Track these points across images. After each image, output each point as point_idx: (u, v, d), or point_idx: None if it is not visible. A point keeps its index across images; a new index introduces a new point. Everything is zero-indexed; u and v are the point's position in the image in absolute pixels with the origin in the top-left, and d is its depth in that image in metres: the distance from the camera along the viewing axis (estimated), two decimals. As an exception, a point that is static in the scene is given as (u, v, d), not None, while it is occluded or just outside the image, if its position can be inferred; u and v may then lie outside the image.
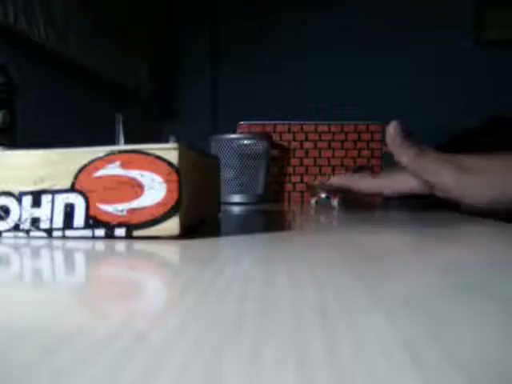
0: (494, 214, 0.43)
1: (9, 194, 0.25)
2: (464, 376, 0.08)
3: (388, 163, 0.75)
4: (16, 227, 0.26)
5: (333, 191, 0.54)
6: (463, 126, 1.67)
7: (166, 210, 0.24)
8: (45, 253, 0.21)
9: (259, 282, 0.15)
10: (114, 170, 0.24)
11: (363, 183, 0.51)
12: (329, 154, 0.77)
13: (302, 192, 0.77)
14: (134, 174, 0.24)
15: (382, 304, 0.12)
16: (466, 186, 0.39)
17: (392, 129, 0.44)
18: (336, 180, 0.53)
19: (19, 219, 0.25)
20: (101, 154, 0.25)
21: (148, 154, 0.24)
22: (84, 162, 0.25)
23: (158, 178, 0.24)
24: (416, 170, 0.42)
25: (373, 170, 0.70)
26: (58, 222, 0.25)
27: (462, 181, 0.39)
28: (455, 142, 1.65)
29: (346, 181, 0.52)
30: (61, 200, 0.25)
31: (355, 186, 0.51)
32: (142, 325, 0.10)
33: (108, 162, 0.24)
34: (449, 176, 0.40)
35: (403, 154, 0.43)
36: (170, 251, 0.21)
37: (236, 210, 0.53)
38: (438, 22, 1.91)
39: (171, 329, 0.10)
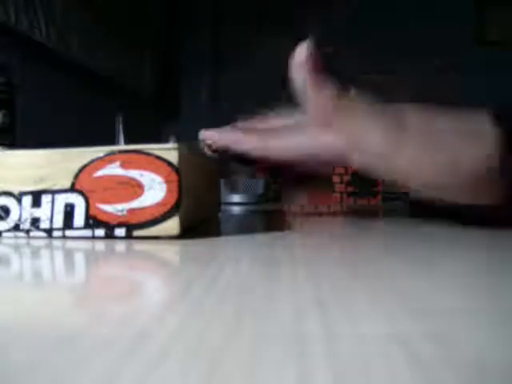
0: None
1: (9, 193, 0.25)
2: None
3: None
4: (16, 227, 0.26)
5: (219, 154, 0.34)
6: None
7: (165, 210, 0.24)
8: (45, 253, 0.21)
9: (259, 282, 0.15)
10: (113, 169, 0.24)
11: (252, 140, 0.30)
12: (329, 154, 0.76)
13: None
14: (134, 174, 0.24)
15: (381, 305, 0.12)
16: (406, 151, 0.26)
17: (302, 51, 0.27)
18: (215, 136, 0.32)
19: (19, 219, 0.25)
20: (101, 154, 0.25)
21: (148, 154, 0.24)
22: (84, 161, 0.25)
23: (158, 178, 0.24)
24: (331, 120, 0.27)
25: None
26: (58, 221, 0.25)
27: (402, 143, 0.26)
28: None
29: (227, 138, 0.31)
30: (61, 200, 0.25)
31: (240, 144, 0.31)
32: (143, 325, 0.10)
33: (108, 162, 0.24)
34: (379, 136, 0.26)
35: (314, 92, 0.27)
36: (170, 251, 0.21)
37: (236, 209, 0.53)
38: (437, 22, 1.91)
39: (171, 328, 0.10)
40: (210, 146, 0.34)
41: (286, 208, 0.53)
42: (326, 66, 0.27)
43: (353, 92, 0.27)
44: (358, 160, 0.27)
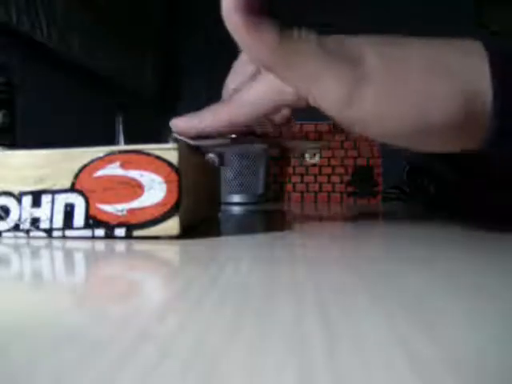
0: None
1: (9, 194, 0.25)
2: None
3: (388, 162, 0.75)
4: (16, 227, 0.26)
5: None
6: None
7: (165, 210, 0.24)
8: (45, 253, 0.21)
9: (259, 282, 0.15)
10: (113, 170, 0.24)
11: (208, 118, 0.28)
12: (329, 154, 0.77)
13: (301, 192, 0.77)
14: (134, 174, 0.24)
15: (382, 305, 0.12)
16: (365, 100, 0.22)
17: None
18: (184, 125, 0.29)
19: (19, 219, 0.25)
20: (101, 154, 0.25)
21: (148, 154, 0.24)
22: (84, 161, 0.25)
23: (158, 178, 0.24)
24: (280, 68, 0.23)
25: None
26: (58, 221, 0.25)
27: (359, 92, 0.22)
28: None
29: (194, 123, 0.28)
30: (61, 200, 0.25)
31: (204, 127, 0.28)
32: (142, 325, 0.10)
33: (108, 162, 0.24)
34: (336, 82, 0.22)
35: (257, 39, 0.22)
36: (170, 251, 0.21)
37: (236, 209, 0.53)
38: (437, 22, 1.91)
39: (171, 328, 0.10)
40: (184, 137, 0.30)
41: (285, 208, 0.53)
42: (266, 5, 0.22)
43: (298, 32, 0.22)
44: (315, 104, 0.24)
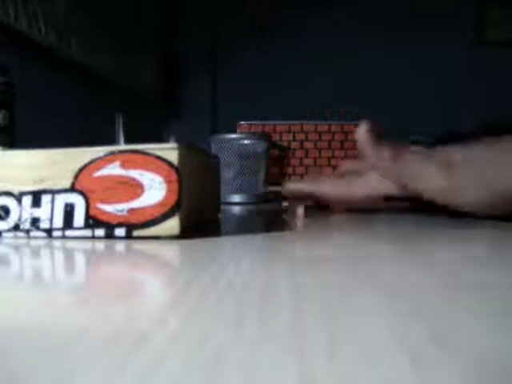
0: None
1: (9, 193, 0.25)
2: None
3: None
4: (16, 227, 0.26)
5: (297, 198, 0.47)
6: (461, 129, 1.67)
7: (165, 209, 0.24)
8: (45, 253, 0.21)
9: (259, 282, 0.15)
10: (114, 169, 0.24)
11: (327, 188, 0.43)
12: (329, 153, 0.77)
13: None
14: (134, 173, 0.24)
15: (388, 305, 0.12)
16: (456, 188, 0.33)
17: (363, 128, 0.38)
18: (299, 186, 0.45)
19: (19, 219, 0.25)
20: (101, 154, 0.25)
21: (148, 154, 0.24)
22: (84, 161, 0.25)
23: (158, 178, 0.24)
24: (394, 174, 0.37)
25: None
26: (58, 221, 0.25)
27: (452, 183, 0.33)
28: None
29: (308, 187, 0.44)
30: (61, 200, 0.25)
31: (318, 191, 0.43)
32: (142, 325, 0.10)
33: (108, 162, 0.24)
34: (435, 180, 0.34)
35: (378, 156, 0.37)
36: (170, 251, 0.21)
37: (236, 209, 0.53)
38: (438, 22, 1.91)
39: (171, 328, 0.10)
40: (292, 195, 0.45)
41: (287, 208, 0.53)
42: (381, 136, 0.38)
43: (405, 147, 0.36)
44: (421, 196, 0.36)
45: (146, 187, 0.24)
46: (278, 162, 0.76)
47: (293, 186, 0.45)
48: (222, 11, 1.93)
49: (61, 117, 1.00)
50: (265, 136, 0.67)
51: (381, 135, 0.37)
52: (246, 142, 0.66)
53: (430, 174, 0.34)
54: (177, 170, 0.24)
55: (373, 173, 0.40)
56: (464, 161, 0.33)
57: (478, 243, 0.24)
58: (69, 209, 0.25)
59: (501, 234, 0.27)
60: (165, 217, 0.24)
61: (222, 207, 0.58)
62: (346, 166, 0.47)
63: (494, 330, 0.10)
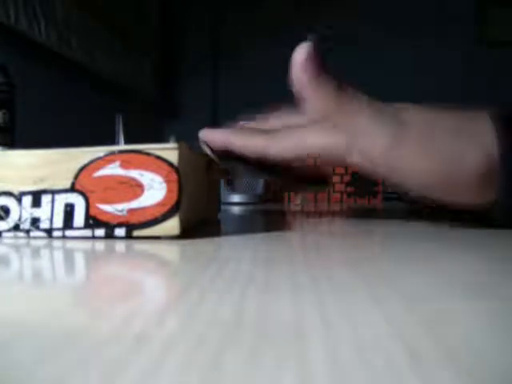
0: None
1: (9, 193, 0.25)
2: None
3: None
4: (16, 227, 0.26)
5: (217, 152, 0.34)
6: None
7: (165, 210, 0.24)
8: (45, 253, 0.21)
9: (259, 282, 0.15)
10: (113, 169, 0.24)
11: (241, 140, 0.31)
12: (329, 153, 0.77)
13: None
14: (134, 173, 0.24)
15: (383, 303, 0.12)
16: (402, 154, 0.26)
17: (302, 53, 0.27)
18: (216, 135, 0.32)
19: (19, 219, 0.25)
20: (101, 154, 0.25)
21: (148, 154, 0.24)
22: (84, 161, 0.25)
23: (158, 178, 0.24)
24: (331, 121, 0.27)
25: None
26: (58, 221, 0.25)
27: (398, 148, 0.26)
28: None
29: (227, 139, 0.32)
30: (61, 200, 0.25)
31: (235, 144, 0.31)
32: (142, 325, 0.10)
33: (108, 162, 0.24)
34: (379, 136, 0.26)
35: (317, 93, 0.27)
36: (170, 251, 0.21)
37: (236, 210, 0.53)
38: (438, 22, 1.91)
39: (171, 328, 0.10)
40: (209, 146, 0.33)
41: (285, 208, 0.53)
42: (327, 65, 0.27)
43: (351, 90, 0.27)
44: (356, 160, 0.28)
45: (146, 187, 0.24)
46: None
47: (206, 134, 0.33)
48: (223, 12, 1.93)
49: (61, 117, 1.00)
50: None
51: (325, 67, 0.27)
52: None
53: (376, 132, 0.26)
54: (177, 170, 0.24)
55: (309, 123, 0.29)
56: (419, 123, 0.26)
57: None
58: (69, 209, 0.25)
59: None
60: (165, 217, 0.24)
61: (222, 207, 0.58)
62: (278, 116, 0.35)
63: None
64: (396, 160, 0.26)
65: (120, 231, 0.25)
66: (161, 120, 1.82)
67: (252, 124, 0.35)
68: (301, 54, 0.27)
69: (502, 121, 0.26)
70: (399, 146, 0.26)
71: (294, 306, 0.12)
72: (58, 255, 0.20)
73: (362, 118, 0.27)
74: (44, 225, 0.25)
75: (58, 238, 0.25)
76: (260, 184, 0.68)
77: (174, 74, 1.94)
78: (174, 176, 0.24)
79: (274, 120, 0.34)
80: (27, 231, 0.25)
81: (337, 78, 0.27)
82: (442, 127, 0.26)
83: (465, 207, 0.28)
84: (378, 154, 0.26)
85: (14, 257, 0.20)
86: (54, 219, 0.25)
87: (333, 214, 0.47)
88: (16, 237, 0.26)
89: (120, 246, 0.23)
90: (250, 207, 0.58)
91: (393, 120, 0.26)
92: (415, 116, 0.27)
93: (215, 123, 1.90)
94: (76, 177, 0.25)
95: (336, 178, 0.75)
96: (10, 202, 0.25)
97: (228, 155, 0.33)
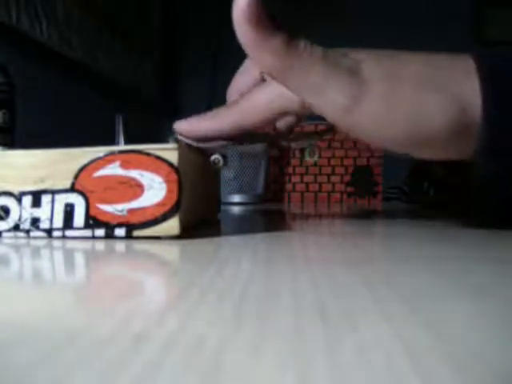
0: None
1: (9, 193, 0.25)
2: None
3: (388, 162, 0.75)
4: (16, 227, 0.26)
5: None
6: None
7: (165, 210, 0.24)
8: (45, 253, 0.21)
9: (259, 282, 0.15)
10: (113, 169, 0.24)
11: (214, 123, 0.30)
12: (329, 154, 0.77)
13: (301, 192, 0.77)
14: (134, 174, 0.24)
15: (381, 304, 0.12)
16: (363, 109, 0.23)
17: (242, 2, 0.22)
18: (185, 126, 0.31)
19: (19, 219, 0.25)
20: (101, 154, 0.25)
21: (148, 154, 0.24)
22: (84, 161, 0.25)
23: (158, 178, 0.24)
24: (285, 76, 0.24)
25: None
26: (58, 221, 0.25)
27: (358, 102, 0.23)
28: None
29: (200, 124, 0.31)
30: (61, 200, 0.25)
31: (210, 128, 0.30)
32: (142, 324, 0.10)
33: (108, 162, 0.24)
34: (337, 92, 0.23)
35: (264, 46, 0.22)
36: (170, 251, 0.21)
37: (236, 210, 0.53)
38: (437, 22, 1.91)
39: (171, 328, 0.10)
40: (188, 137, 0.32)
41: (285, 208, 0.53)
42: (271, 13, 0.22)
43: (303, 44, 0.23)
44: (318, 112, 0.25)
45: (146, 187, 0.24)
46: (278, 161, 0.76)
47: (181, 128, 0.31)
48: (223, 12, 1.93)
49: (61, 117, 1.00)
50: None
51: (274, 19, 0.22)
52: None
53: (333, 85, 0.23)
54: (177, 170, 0.24)
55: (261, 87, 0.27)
56: (380, 78, 0.23)
57: None
58: (69, 209, 0.25)
59: None
60: (165, 217, 0.24)
61: (222, 207, 0.58)
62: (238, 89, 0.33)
63: None
64: (356, 121, 0.24)
65: (120, 231, 0.25)
66: (161, 120, 1.82)
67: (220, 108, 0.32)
68: (239, 3, 0.22)
69: (485, 68, 0.23)
70: (358, 106, 0.23)
71: (294, 305, 0.12)
72: (58, 255, 0.20)
73: (315, 77, 0.23)
74: (44, 225, 0.25)
75: (57, 238, 0.25)
76: (260, 184, 0.68)
77: (175, 74, 1.94)
78: (174, 176, 0.24)
79: (236, 87, 0.34)
80: (27, 231, 0.25)
81: (286, 30, 0.23)
82: (407, 79, 0.23)
83: (444, 160, 0.26)
84: (335, 116, 0.24)
85: (13, 257, 0.20)
86: (54, 219, 0.25)
87: (333, 214, 0.47)
88: (16, 237, 0.26)
89: (120, 245, 0.23)
90: (250, 207, 0.58)
91: (350, 76, 0.23)
92: (376, 69, 0.24)
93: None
94: (76, 177, 0.25)
95: (336, 178, 0.75)
96: (10, 202, 0.25)
97: (207, 140, 0.32)
